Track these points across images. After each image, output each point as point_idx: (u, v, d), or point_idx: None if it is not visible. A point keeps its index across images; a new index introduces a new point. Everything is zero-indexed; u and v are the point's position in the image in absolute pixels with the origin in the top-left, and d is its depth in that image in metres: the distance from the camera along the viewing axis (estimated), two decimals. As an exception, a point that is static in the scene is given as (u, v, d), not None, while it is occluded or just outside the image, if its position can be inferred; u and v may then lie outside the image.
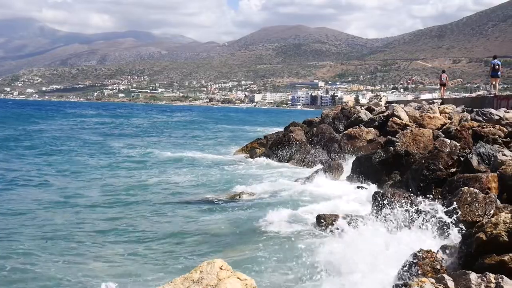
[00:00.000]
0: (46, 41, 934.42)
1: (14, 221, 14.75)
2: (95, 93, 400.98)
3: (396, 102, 42.71)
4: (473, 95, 50.59)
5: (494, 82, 32.72)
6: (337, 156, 25.12)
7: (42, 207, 16.79)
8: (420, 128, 22.36)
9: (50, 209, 16.65)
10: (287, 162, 26.89)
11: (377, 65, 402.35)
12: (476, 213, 9.81)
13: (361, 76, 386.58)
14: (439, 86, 45.12)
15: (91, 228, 14.23)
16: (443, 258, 8.63)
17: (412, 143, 19.79)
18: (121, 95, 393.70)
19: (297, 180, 20.51)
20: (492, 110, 22.12)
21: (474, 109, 23.80)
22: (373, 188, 17.36)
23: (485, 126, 18.81)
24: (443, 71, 41.78)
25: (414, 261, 8.26)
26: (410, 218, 12.95)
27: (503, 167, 12.28)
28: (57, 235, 13.26)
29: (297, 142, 27.99)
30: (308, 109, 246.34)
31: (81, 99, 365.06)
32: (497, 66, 32.00)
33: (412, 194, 13.72)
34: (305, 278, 9.79)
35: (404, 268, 8.40)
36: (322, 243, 12.20)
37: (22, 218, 15.17)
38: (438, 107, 27.76)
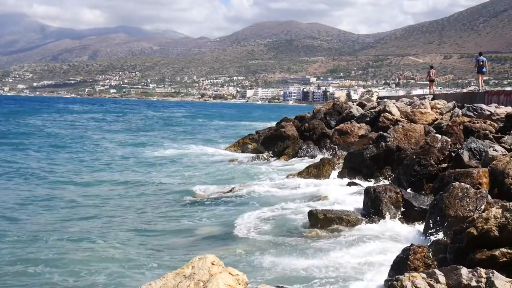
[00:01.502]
0: (37, 36, 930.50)
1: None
2: (87, 89, 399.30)
3: (388, 97, 42.81)
4: (464, 90, 50.87)
5: (480, 78, 33.30)
6: (328, 152, 25.15)
7: (28, 203, 16.77)
8: (412, 123, 22.42)
9: (40, 204, 16.62)
10: (278, 158, 26.85)
11: (369, 61, 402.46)
12: (467, 208, 9.84)
13: (352, 72, 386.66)
14: (428, 82, 45.52)
15: (79, 224, 14.19)
16: (434, 253, 8.66)
17: (403, 139, 19.84)
18: (112, 90, 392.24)
19: (288, 176, 20.47)
20: (483, 106, 22.23)
21: (465, 105, 23.89)
22: (364, 183, 17.40)
23: (476, 122, 18.89)
24: (431, 67, 42.20)
25: (405, 256, 8.28)
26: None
27: (494, 162, 12.33)
28: (47, 232, 13.21)
29: (289, 138, 27.96)
30: (300, 104, 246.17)
31: (72, 95, 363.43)
32: (481, 63, 32.45)
33: (403, 189, 13.76)
34: (296, 272, 9.79)
35: (395, 263, 8.43)
36: (314, 240, 12.21)
37: (4, 214, 15.11)
38: (430, 103, 27.85)
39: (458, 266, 7.02)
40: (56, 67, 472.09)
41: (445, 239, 9.02)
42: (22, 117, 68.81)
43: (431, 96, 33.22)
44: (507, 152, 13.51)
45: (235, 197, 17.60)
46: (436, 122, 22.91)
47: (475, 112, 21.63)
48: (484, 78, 33.45)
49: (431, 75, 40.07)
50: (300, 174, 19.96)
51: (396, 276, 7.08)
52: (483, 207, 9.72)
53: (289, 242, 12.03)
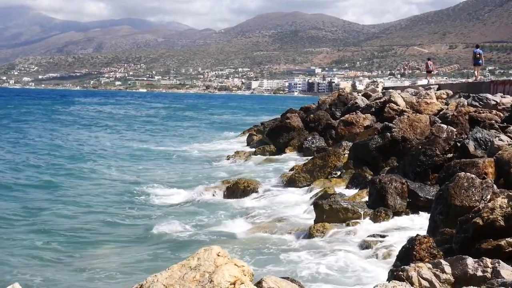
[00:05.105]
0: (41, 29, 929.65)
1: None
2: (92, 81, 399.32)
3: (393, 88, 42.73)
4: (470, 80, 50.78)
5: (476, 70, 33.94)
6: (334, 143, 25.09)
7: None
8: (417, 113, 22.33)
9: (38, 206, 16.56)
10: (284, 149, 26.76)
11: (374, 51, 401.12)
12: (473, 198, 9.82)
13: (357, 63, 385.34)
14: (425, 73, 46.29)
15: (69, 221, 14.27)
16: (439, 244, 8.65)
17: (409, 129, 19.75)
18: (117, 83, 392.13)
19: (292, 169, 20.34)
20: (489, 95, 22.15)
21: (471, 95, 23.82)
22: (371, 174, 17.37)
23: (481, 112, 18.82)
24: (429, 59, 43.04)
25: (411, 246, 8.28)
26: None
27: (499, 152, 12.30)
28: (56, 231, 13.23)
29: (294, 129, 27.86)
30: (305, 95, 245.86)
31: (78, 87, 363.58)
32: (478, 55, 33.02)
33: (408, 180, 13.73)
34: (301, 266, 9.81)
35: (401, 253, 8.43)
36: (319, 232, 12.20)
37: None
38: (435, 93, 27.78)
39: (464, 256, 7.02)
40: (61, 60, 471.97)
41: (451, 229, 9.00)
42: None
43: (437, 86, 33.21)
44: (513, 142, 13.46)
45: (233, 197, 17.44)
46: (441, 112, 22.81)
47: (480, 102, 21.55)
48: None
49: (429, 66, 40.91)
50: (304, 166, 19.75)
51: (402, 267, 7.08)
52: (488, 197, 9.70)
53: (293, 234, 12.04)
